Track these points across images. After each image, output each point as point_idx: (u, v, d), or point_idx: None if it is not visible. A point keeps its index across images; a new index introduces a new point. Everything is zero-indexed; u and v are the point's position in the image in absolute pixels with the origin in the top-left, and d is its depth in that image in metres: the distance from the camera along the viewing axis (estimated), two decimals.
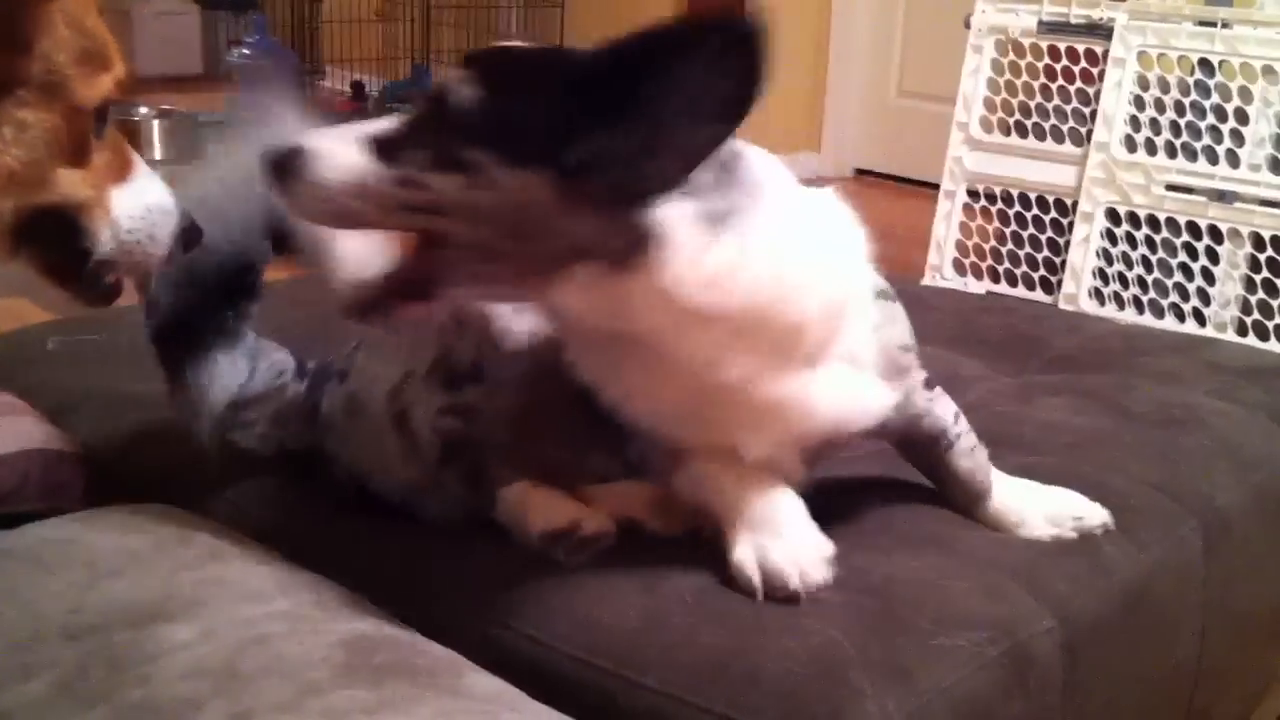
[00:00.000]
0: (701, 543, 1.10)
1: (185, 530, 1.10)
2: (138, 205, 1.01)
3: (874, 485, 1.26)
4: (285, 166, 0.93)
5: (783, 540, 1.06)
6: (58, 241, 0.98)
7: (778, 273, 0.97)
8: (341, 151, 0.92)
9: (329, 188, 0.92)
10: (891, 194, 4.70)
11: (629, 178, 0.91)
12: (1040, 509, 1.21)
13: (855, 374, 1.06)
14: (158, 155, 4.78)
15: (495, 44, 0.98)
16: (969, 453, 1.20)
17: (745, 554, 1.06)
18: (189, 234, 1.06)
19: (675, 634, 1.02)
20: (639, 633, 1.02)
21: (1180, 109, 2.40)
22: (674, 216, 0.92)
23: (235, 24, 6.32)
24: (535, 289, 0.97)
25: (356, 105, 5.48)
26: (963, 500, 1.21)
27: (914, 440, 1.20)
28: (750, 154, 0.99)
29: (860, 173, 5.16)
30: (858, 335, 1.06)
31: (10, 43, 0.90)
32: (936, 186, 2.87)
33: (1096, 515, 1.21)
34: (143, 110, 4.86)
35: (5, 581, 1.02)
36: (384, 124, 0.95)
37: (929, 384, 1.17)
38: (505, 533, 1.13)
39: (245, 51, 5.30)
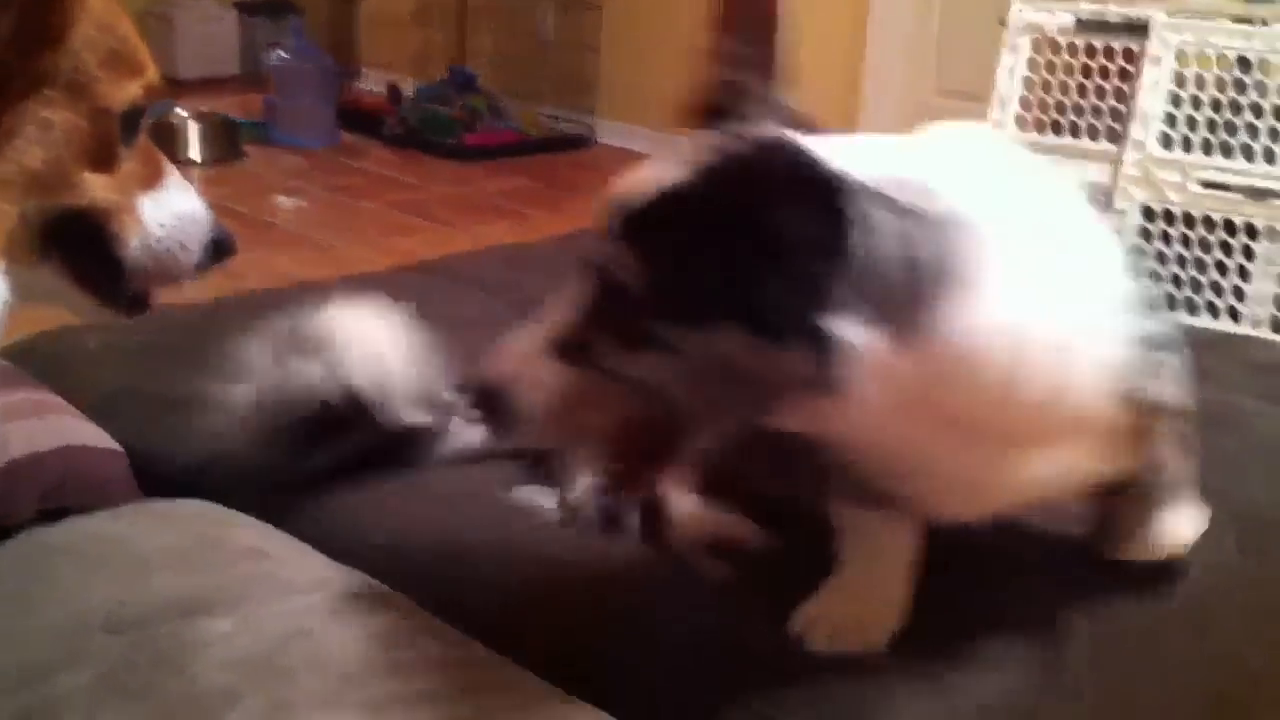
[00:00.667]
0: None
1: (225, 526, 1.12)
2: (168, 213, 1.00)
3: None
4: (493, 404, 0.91)
5: (858, 605, 1.04)
6: (86, 248, 0.97)
7: (994, 373, 0.87)
8: (538, 371, 0.89)
9: (542, 414, 0.90)
10: None
11: (777, 316, 0.83)
12: None
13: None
14: (195, 157, 4.83)
15: (616, 195, 0.89)
16: None
17: (813, 609, 1.05)
18: (221, 245, 1.05)
19: (712, 634, 1.03)
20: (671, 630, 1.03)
21: (1217, 106, 2.38)
22: (853, 334, 0.83)
23: (273, 27, 6.36)
24: (751, 422, 0.93)
25: (392, 108, 5.51)
26: None
27: None
28: (974, 227, 0.86)
29: None
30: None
31: (43, 37, 0.89)
32: None
33: None
34: (181, 113, 4.92)
35: (50, 576, 1.03)
36: (555, 320, 0.90)
37: None
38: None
39: (283, 54, 5.34)
